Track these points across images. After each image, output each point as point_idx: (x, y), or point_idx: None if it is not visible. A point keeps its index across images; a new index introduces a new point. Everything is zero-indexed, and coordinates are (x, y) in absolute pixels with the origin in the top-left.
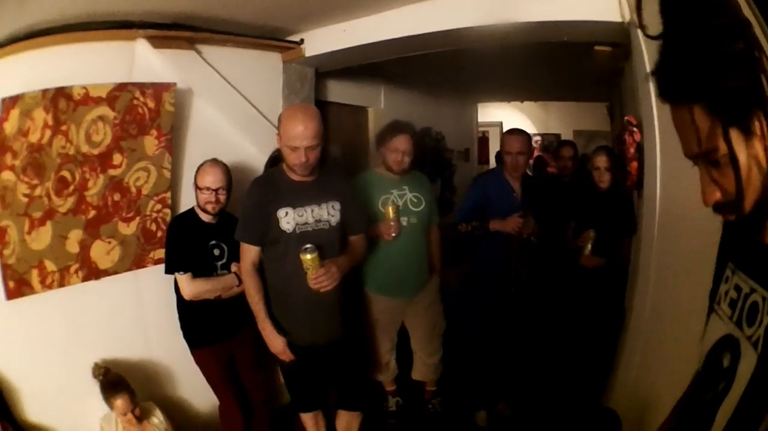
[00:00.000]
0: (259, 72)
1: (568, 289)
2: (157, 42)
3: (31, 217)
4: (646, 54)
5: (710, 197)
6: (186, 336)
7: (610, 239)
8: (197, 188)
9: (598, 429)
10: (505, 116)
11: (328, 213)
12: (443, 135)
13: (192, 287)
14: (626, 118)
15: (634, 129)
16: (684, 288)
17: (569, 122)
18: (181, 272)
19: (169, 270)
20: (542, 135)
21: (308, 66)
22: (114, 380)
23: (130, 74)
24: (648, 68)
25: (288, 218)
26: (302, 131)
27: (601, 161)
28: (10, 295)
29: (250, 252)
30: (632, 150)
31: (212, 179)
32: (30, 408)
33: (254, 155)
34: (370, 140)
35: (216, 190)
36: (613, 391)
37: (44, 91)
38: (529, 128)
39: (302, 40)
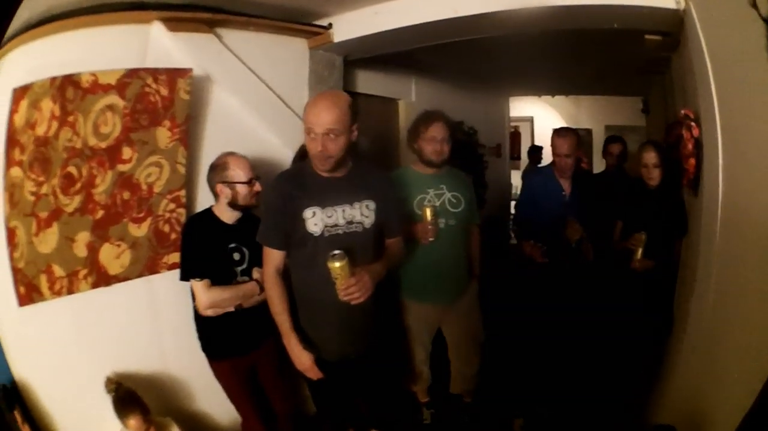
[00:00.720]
0: (284, 59)
1: (617, 291)
2: (173, 25)
3: (38, 217)
4: (705, 44)
5: None
6: (204, 348)
7: (661, 240)
8: (228, 184)
9: None
10: (536, 110)
11: (361, 214)
12: (475, 130)
13: (209, 296)
14: (683, 111)
15: (692, 123)
16: (751, 295)
17: (600, 117)
18: (197, 279)
19: (184, 277)
20: None
21: (336, 53)
22: (126, 396)
23: (143, 60)
24: (708, 58)
25: (315, 219)
26: (318, 116)
27: (650, 157)
28: (22, 301)
29: (273, 257)
30: (690, 146)
31: (246, 170)
32: (44, 422)
33: (278, 149)
34: (400, 134)
35: (258, 179)
36: (666, 399)
37: (52, 79)
38: (560, 122)
39: (330, 25)
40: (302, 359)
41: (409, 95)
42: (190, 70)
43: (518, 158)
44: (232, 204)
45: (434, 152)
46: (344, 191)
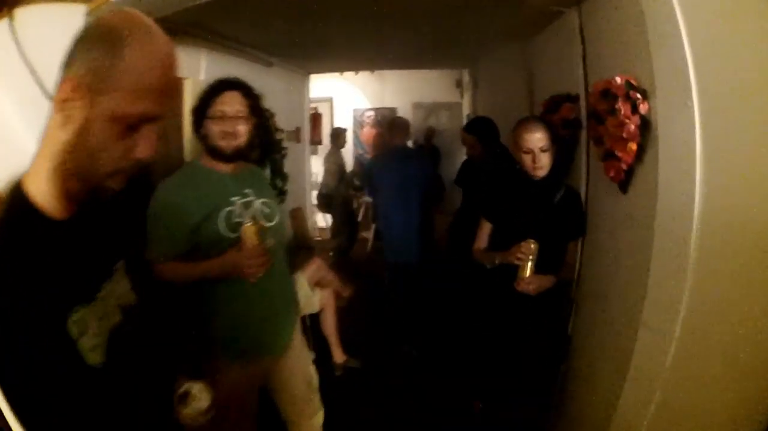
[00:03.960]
0: (58, 29)
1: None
2: None
3: None
4: None
5: None
6: None
7: (554, 246)
8: None
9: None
10: (336, 89)
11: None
12: (273, 113)
13: None
14: (621, 78)
15: (638, 95)
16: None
17: (408, 93)
18: None
19: None
20: (376, 110)
21: None
22: None
23: None
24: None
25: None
26: None
27: (538, 138)
28: None
29: None
30: (633, 127)
31: None
32: None
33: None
34: (185, 119)
35: None
36: None
37: None
38: (363, 102)
39: None
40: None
41: (198, 73)
42: None
43: (319, 142)
44: None
45: (222, 134)
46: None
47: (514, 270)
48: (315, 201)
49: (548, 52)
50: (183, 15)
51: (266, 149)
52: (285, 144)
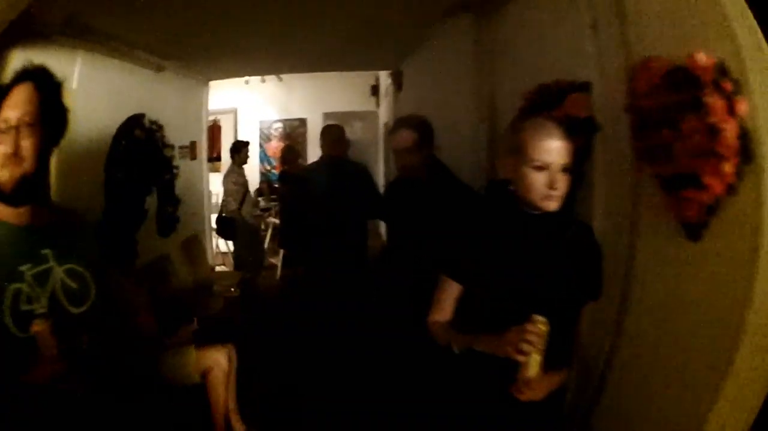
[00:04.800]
0: None
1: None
2: None
3: None
4: None
5: None
6: None
7: (565, 315)
8: None
9: None
10: (241, 99)
11: None
12: (161, 125)
13: None
14: (705, 58)
15: (731, 88)
16: None
17: (318, 103)
18: None
19: None
20: (284, 121)
21: None
22: None
23: None
24: None
25: None
26: None
27: (556, 149)
28: None
29: None
30: (731, 136)
31: None
32: None
33: None
34: None
35: None
36: None
37: None
38: (270, 112)
39: None
40: None
41: (71, 80)
42: None
43: (218, 158)
44: None
45: (1, 160)
46: None
47: (506, 361)
48: (215, 226)
49: (529, 22)
50: (55, 11)
51: (151, 169)
52: (177, 162)
